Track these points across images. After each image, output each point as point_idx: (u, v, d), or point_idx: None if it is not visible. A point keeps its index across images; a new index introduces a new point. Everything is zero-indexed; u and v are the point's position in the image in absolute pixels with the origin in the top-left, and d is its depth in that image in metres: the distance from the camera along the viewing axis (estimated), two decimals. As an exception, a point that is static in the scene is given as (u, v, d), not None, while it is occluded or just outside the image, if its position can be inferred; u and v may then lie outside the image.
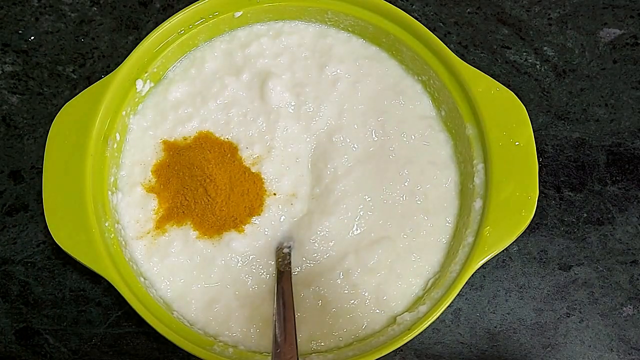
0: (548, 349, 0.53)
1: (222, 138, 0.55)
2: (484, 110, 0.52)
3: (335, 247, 0.52)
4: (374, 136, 0.56)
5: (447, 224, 0.53)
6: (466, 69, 0.53)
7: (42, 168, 0.50)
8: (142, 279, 0.50)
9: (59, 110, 0.52)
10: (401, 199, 0.53)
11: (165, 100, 0.57)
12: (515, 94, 0.52)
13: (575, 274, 0.55)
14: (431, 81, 0.56)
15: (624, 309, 0.54)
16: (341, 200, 0.53)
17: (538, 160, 0.51)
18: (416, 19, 0.55)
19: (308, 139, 0.56)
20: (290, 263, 0.51)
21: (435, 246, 0.53)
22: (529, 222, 0.49)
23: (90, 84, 0.55)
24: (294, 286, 0.49)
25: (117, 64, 0.54)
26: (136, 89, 0.55)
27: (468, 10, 0.63)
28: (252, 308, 0.51)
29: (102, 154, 0.52)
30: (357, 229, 0.53)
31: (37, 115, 0.59)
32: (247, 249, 0.52)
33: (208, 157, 0.54)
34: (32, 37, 0.61)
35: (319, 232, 0.52)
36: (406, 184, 0.54)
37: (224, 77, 0.57)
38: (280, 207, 0.54)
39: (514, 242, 0.49)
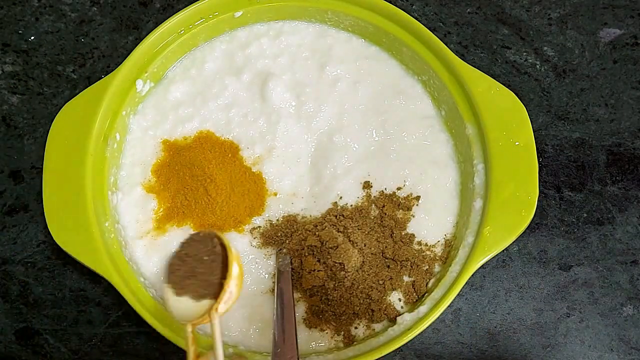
0: (548, 349, 0.53)
1: (223, 138, 0.55)
2: (484, 110, 0.52)
3: (335, 247, 0.52)
4: (374, 136, 0.56)
5: (448, 224, 0.53)
6: (466, 69, 0.53)
7: (42, 168, 0.50)
8: (142, 279, 0.50)
9: (59, 110, 0.52)
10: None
11: (165, 100, 0.57)
12: (515, 94, 0.53)
13: (575, 274, 0.55)
14: (431, 81, 0.56)
15: (624, 309, 0.54)
16: (341, 199, 0.53)
17: (538, 160, 0.51)
18: (416, 19, 0.55)
19: (309, 139, 0.56)
20: (290, 263, 0.51)
21: (435, 246, 0.53)
22: (529, 222, 0.49)
23: (90, 84, 0.55)
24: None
25: (117, 64, 0.54)
26: (136, 89, 0.55)
27: (468, 10, 0.63)
28: (252, 308, 0.51)
29: (102, 154, 0.52)
30: (357, 229, 0.53)
31: (37, 115, 0.59)
32: (246, 249, 0.52)
33: (209, 157, 0.54)
34: (32, 37, 0.61)
35: (319, 232, 0.52)
36: (407, 183, 0.54)
37: (224, 77, 0.57)
38: (281, 206, 0.54)
39: (514, 242, 0.49)
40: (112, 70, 0.53)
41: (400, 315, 0.49)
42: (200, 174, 0.53)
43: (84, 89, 0.53)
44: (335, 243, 0.50)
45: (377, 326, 0.50)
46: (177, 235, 0.52)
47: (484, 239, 0.49)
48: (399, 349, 0.47)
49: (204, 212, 0.52)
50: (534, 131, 0.52)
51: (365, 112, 0.56)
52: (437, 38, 0.54)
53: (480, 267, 0.48)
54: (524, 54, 0.61)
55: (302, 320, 0.51)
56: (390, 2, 0.56)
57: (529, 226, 0.49)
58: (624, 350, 0.53)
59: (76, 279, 0.54)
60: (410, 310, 0.49)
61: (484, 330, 0.53)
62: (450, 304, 0.47)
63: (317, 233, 0.51)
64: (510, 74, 0.60)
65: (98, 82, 0.53)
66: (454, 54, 0.54)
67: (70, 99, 0.53)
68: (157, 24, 0.58)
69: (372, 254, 0.51)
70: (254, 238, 0.53)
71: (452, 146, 0.56)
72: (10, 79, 0.60)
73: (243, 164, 0.54)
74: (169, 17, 0.55)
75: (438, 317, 0.47)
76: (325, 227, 0.51)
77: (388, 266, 0.51)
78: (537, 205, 0.49)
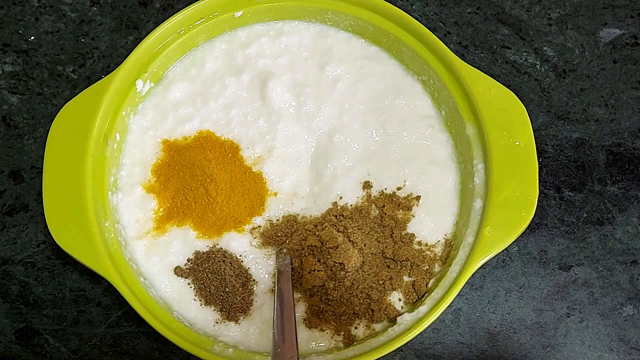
0: (548, 349, 0.53)
1: (223, 138, 0.55)
2: (484, 110, 0.52)
3: (335, 247, 0.52)
4: (374, 136, 0.56)
5: (448, 224, 0.53)
6: (466, 69, 0.53)
7: (42, 168, 0.50)
8: (142, 279, 0.50)
9: (59, 110, 0.52)
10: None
11: (165, 100, 0.57)
12: (515, 94, 0.52)
13: (575, 274, 0.55)
14: (431, 81, 0.56)
15: (624, 309, 0.54)
16: (341, 199, 0.53)
17: (538, 160, 0.51)
18: (416, 19, 0.55)
19: (309, 139, 0.56)
20: (290, 263, 0.51)
21: (435, 246, 0.53)
22: (529, 222, 0.49)
23: (90, 84, 0.55)
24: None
25: (117, 64, 0.54)
26: (136, 89, 0.55)
27: (468, 10, 0.63)
28: (252, 308, 0.51)
29: (102, 154, 0.52)
30: (357, 229, 0.53)
31: (37, 115, 0.59)
32: (246, 249, 0.52)
33: (209, 157, 0.54)
34: (32, 37, 0.61)
35: (319, 232, 0.52)
36: (407, 183, 0.54)
37: (224, 77, 0.57)
38: (281, 206, 0.54)
39: (514, 242, 0.49)
40: (112, 70, 0.53)
41: (400, 315, 0.49)
42: (200, 174, 0.53)
43: (84, 89, 0.53)
44: (335, 243, 0.50)
45: (377, 326, 0.50)
46: (177, 235, 0.52)
47: (484, 239, 0.49)
48: (399, 349, 0.47)
49: (204, 212, 0.52)
50: (534, 131, 0.52)
51: (365, 112, 0.56)
52: (437, 38, 0.54)
53: (480, 267, 0.48)
54: (524, 54, 0.61)
55: (302, 320, 0.51)
56: (390, 2, 0.56)
57: (529, 226, 0.49)
58: (624, 350, 0.53)
59: (76, 279, 0.54)
60: (410, 310, 0.49)
61: (484, 330, 0.53)
62: (450, 304, 0.47)
63: (317, 233, 0.51)
64: (510, 74, 0.60)
65: (98, 82, 0.53)
66: (454, 54, 0.53)
67: (70, 99, 0.53)
68: (157, 24, 0.58)
69: (372, 254, 0.51)
70: (254, 238, 0.53)
71: (452, 146, 0.56)
72: (10, 79, 0.60)
73: (243, 164, 0.54)
74: (169, 17, 0.55)
75: (438, 317, 0.47)
76: (325, 227, 0.51)
77: (388, 266, 0.51)
78: (537, 205, 0.49)
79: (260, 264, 0.52)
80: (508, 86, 0.53)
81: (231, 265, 0.51)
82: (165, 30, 0.55)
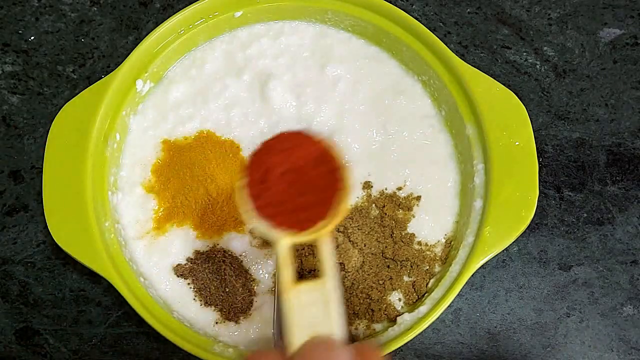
0: (548, 349, 0.53)
1: (224, 138, 0.55)
2: (484, 110, 0.52)
3: (336, 247, 0.52)
4: (374, 136, 0.56)
5: (448, 224, 0.53)
6: (466, 69, 0.53)
7: (42, 168, 0.50)
8: (142, 279, 0.50)
9: (59, 110, 0.52)
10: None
11: (165, 100, 0.57)
12: (515, 94, 0.52)
13: (575, 274, 0.55)
14: (431, 81, 0.56)
15: (624, 309, 0.54)
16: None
17: (538, 160, 0.51)
18: (416, 19, 0.55)
19: (308, 139, 0.56)
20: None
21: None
22: (529, 222, 0.49)
23: (90, 84, 0.55)
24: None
25: (117, 64, 0.54)
26: (136, 89, 0.55)
27: (468, 10, 0.63)
28: (252, 308, 0.51)
29: (102, 154, 0.52)
30: (357, 229, 0.53)
31: (37, 115, 0.59)
32: (247, 249, 0.52)
33: (209, 157, 0.54)
34: (32, 37, 0.61)
35: (319, 232, 0.52)
36: (407, 183, 0.54)
37: (224, 77, 0.57)
38: (280, 207, 0.54)
39: (514, 242, 0.49)
40: (112, 70, 0.53)
41: (400, 315, 0.49)
42: (200, 174, 0.53)
43: (84, 89, 0.53)
44: (335, 243, 0.50)
45: (377, 326, 0.50)
46: (177, 235, 0.52)
47: (484, 239, 0.49)
48: (399, 349, 0.47)
49: (205, 212, 0.52)
50: (534, 131, 0.52)
51: (365, 112, 0.56)
52: (437, 38, 0.54)
53: (480, 267, 0.48)
54: (524, 54, 0.61)
55: (302, 320, 0.50)
56: (390, 2, 0.56)
57: (529, 226, 0.49)
58: (624, 350, 0.53)
59: (76, 279, 0.54)
60: (410, 310, 0.49)
61: (484, 330, 0.53)
62: (450, 304, 0.47)
63: (317, 233, 0.51)
64: (510, 74, 0.60)
65: (98, 82, 0.53)
66: (454, 54, 0.53)
67: (70, 99, 0.53)
68: (157, 24, 0.58)
69: (372, 254, 0.51)
70: (254, 238, 0.53)
71: (452, 146, 0.56)
72: (10, 79, 0.60)
73: (244, 164, 0.54)
74: (169, 17, 0.55)
75: (438, 317, 0.47)
76: (325, 227, 0.51)
77: (388, 266, 0.51)
78: (537, 205, 0.49)
79: (260, 264, 0.52)
80: (508, 86, 0.53)
81: (231, 265, 0.51)
82: (165, 30, 0.55)
